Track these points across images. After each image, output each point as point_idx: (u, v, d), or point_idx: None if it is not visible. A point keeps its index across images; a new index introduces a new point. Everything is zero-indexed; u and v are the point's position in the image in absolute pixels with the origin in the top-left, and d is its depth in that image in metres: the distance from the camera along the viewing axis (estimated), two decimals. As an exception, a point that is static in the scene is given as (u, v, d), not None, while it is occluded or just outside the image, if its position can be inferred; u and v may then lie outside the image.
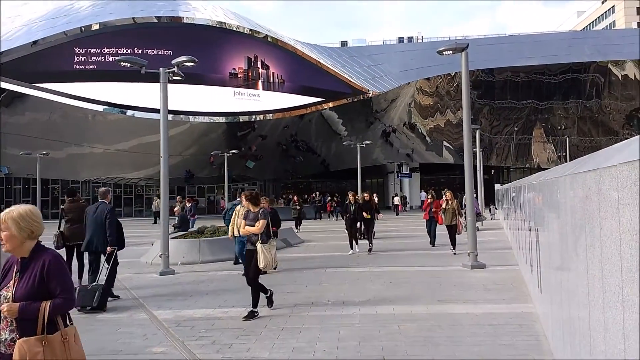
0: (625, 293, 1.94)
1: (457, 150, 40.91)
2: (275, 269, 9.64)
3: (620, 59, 42.89)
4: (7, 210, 2.82)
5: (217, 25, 33.56)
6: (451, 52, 11.54)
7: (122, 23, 31.22)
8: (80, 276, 8.82)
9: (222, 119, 33.94)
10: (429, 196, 14.43)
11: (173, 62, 12.06)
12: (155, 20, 32.22)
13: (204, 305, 7.50)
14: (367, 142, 32.09)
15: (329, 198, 36.47)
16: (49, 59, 29.36)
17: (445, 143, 44.00)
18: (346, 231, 13.71)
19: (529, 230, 6.81)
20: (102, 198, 8.41)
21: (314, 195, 39.12)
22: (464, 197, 12.93)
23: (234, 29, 34.34)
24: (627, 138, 2.98)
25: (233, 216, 10.66)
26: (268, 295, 6.99)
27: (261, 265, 6.57)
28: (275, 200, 37.95)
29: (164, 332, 6.05)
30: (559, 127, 45.39)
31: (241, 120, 34.50)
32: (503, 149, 46.05)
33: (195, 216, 21.00)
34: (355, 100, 37.06)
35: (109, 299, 7.69)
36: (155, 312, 7.11)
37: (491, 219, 26.24)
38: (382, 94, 38.18)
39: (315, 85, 35.84)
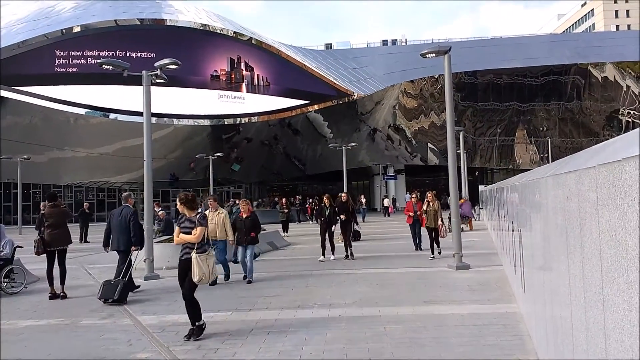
0: (605, 293, 1.97)
1: (441, 152, 41.22)
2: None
3: (600, 61, 43.69)
4: None
5: (201, 28, 33.42)
6: (434, 55, 11.62)
7: (104, 25, 30.92)
8: (62, 282, 8.67)
9: (206, 122, 33.77)
10: (413, 197, 13.76)
11: (156, 64, 11.96)
12: (138, 23, 31.96)
13: (189, 309, 7.43)
14: (353, 144, 32.18)
15: (310, 200, 36.29)
16: (29, 61, 28.93)
17: (429, 145, 44.34)
18: (320, 235, 12.67)
19: (513, 231, 6.88)
20: (125, 202, 9.20)
21: (296, 198, 39.01)
22: (448, 198, 12.78)
23: (218, 31, 34.21)
24: (608, 139, 3.03)
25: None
26: (201, 324, 5.96)
27: (195, 278, 5.84)
28: (262, 204, 37.85)
29: (148, 338, 5.99)
30: (541, 129, 46.04)
31: (226, 123, 34.35)
32: (486, 151, 46.55)
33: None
34: (341, 102, 37.18)
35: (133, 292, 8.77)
36: (139, 318, 7.03)
37: (475, 219, 26.46)
38: (367, 96, 38.35)
39: (300, 88, 35.88)
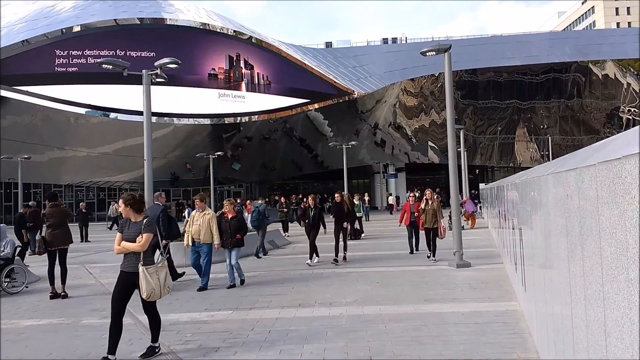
0: (605, 290, 1.97)
1: (442, 150, 41.21)
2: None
3: (600, 59, 43.64)
4: None
5: (201, 27, 33.38)
6: (434, 53, 11.61)
7: (104, 25, 30.89)
8: (63, 281, 8.68)
9: (207, 121, 33.76)
10: (411, 196, 12.99)
11: (156, 64, 11.97)
12: (138, 22, 31.94)
13: (189, 309, 7.45)
14: (353, 142, 32.17)
15: (304, 200, 35.95)
16: (29, 61, 28.91)
17: (430, 143, 44.32)
18: (308, 237, 11.74)
19: (513, 228, 6.88)
20: (156, 200, 10.04)
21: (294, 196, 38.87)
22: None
23: (218, 30, 34.18)
24: (608, 137, 3.02)
25: (187, 221, 9.46)
26: (156, 346, 5.35)
27: (144, 294, 5.11)
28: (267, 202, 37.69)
29: (149, 337, 5.98)
30: (542, 126, 46.01)
31: (226, 122, 34.34)
32: (487, 149, 46.52)
33: None
34: (341, 101, 37.15)
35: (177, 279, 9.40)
36: (140, 317, 7.02)
37: (477, 216, 26.45)
38: (367, 94, 38.32)
39: (301, 87, 35.85)
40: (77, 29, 30.38)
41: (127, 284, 5.25)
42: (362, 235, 18.04)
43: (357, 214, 18.51)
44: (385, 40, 48.96)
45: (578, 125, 46.40)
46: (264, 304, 7.54)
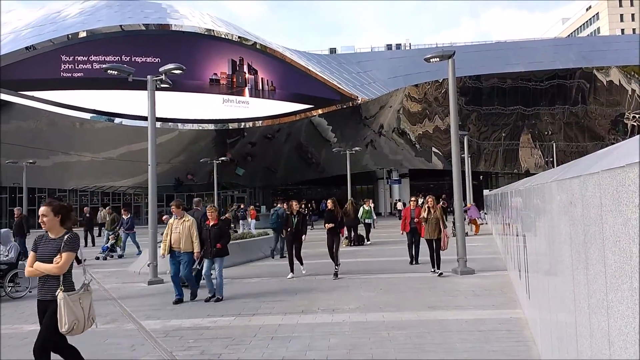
0: (609, 299, 1.95)
1: (445, 156, 41.17)
2: (180, 301, 8.17)
3: (605, 65, 43.58)
4: None
5: (206, 33, 33.56)
6: (438, 59, 11.62)
7: (109, 31, 31.11)
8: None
9: (211, 127, 33.87)
10: (411, 201, 12.02)
11: (161, 69, 12.02)
12: (143, 28, 32.14)
13: (192, 314, 7.44)
14: (357, 148, 32.18)
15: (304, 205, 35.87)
16: (35, 66, 29.12)
17: (434, 149, 44.29)
18: (287, 249, 10.82)
19: (517, 236, 6.85)
20: (196, 206, 10.48)
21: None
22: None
23: (223, 36, 34.35)
24: (613, 143, 3.01)
25: (165, 231, 8.58)
26: None
27: (64, 327, 4.12)
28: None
29: (152, 343, 5.97)
30: (546, 133, 45.93)
31: (230, 127, 34.44)
32: (491, 155, 46.46)
33: (134, 230, 16.50)
34: (345, 107, 37.20)
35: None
36: (143, 322, 7.01)
37: (481, 222, 26.35)
38: (371, 100, 38.37)
39: (305, 92, 35.95)
40: (82, 34, 30.59)
41: (44, 313, 4.27)
42: (367, 242, 17.87)
43: (367, 220, 18.42)
44: (389, 47, 49.12)
45: (583, 131, 46.29)
46: (266, 310, 7.52)
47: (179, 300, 8.29)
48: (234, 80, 34.30)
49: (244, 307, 7.79)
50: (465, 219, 14.99)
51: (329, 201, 11.05)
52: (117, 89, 28.27)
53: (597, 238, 2.13)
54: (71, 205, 4.92)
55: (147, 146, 11.84)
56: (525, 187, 5.78)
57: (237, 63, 34.43)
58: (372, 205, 19.03)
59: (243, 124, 34.76)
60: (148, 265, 10.85)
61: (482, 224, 22.58)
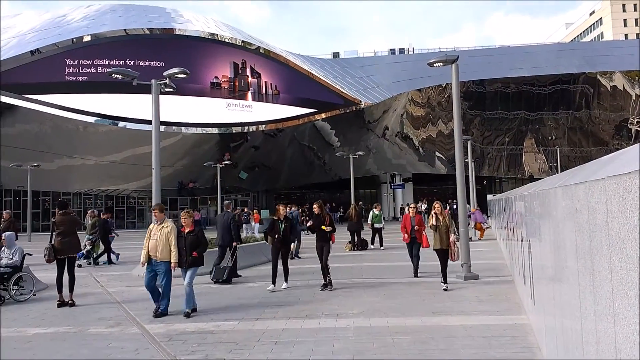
0: (616, 306, 1.95)
1: (449, 160, 41.10)
2: (162, 314, 7.56)
3: (608, 70, 43.49)
4: None
5: (209, 37, 33.70)
6: (441, 63, 11.63)
7: (114, 35, 31.26)
8: (71, 289, 8.71)
9: (214, 130, 33.95)
10: (411, 208, 10.93)
11: (165, 73, 12.08)
12: (147, 32, 32.28)
13: (196, 318, 7.43)
14: (360, 152, 32.18)
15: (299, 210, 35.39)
16: (40, 70, 29.29)
17: (437, 153, 44.24)
18: (272, 256, 9.94)
19: (522, 241, 6.83)
20: (227, 208, 11.62)
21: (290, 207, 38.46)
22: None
23: (227, 40, 34.47)
24: (617, 148, 3.01)
25: (146, 237, 7.93)
26: None
27: None
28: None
29: (155, 347, 5.98)
30: (550, 138, 45.82)
31: (234, 131, 34.51)
32: (495, 160, 46.36)
33: (112, 235, 15.87)
34: (348, 111, 37.24)
35: (235, 278, 10.80)
36: (147, 326, 7.03)
37: (485, 227, 26.28)
38: (374, 104, 38.40)
39: (308, 97, 36.01)
40: (87, 38, 30.76)
41: None
42: (371, 246, 17.77)
43: (377, 224, 18.14)
44: (392, 51, 49.21)
45: (586, 136, 46.17)
46: (270, 314, 7.52)
47: (161, 314, 7.57)
48: (236, 83, 34.37)
49: (248, 311, 7.79)
50: (469, 224, 14.90)
51: (315, 205, 10.10)
52: (121, 93, 28.40)
53: (603, 244, 2.12)
54: None
55: (151, 150, 11.88)
56: (530, 193, 5.77)
57: (240, 66, 34.52)
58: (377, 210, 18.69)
59: (247, 127, 34.83)
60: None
61: (487, 227, 22.52)
